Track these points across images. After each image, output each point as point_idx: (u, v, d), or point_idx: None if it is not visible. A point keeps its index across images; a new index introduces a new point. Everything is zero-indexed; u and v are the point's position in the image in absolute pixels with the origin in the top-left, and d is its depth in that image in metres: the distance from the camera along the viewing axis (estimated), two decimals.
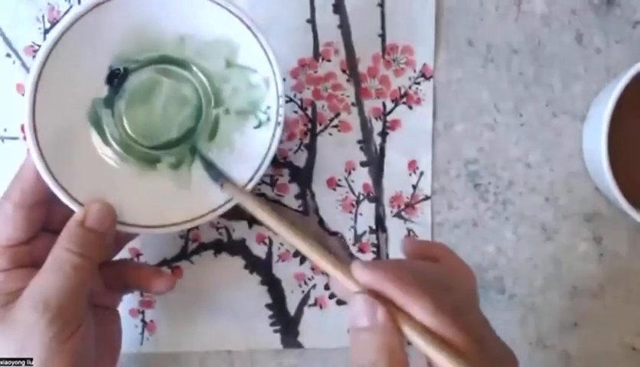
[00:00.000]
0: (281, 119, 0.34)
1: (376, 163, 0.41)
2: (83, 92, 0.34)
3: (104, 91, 0.34)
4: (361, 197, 0.41)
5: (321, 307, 0.41)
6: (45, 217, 0.33)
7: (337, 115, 0.41)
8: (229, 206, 0.34)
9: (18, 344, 0.28)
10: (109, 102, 0.34)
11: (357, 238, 0.41)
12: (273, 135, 0.34)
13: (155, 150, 0.35)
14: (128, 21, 0.33)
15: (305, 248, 0.29)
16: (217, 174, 0.34)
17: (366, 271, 0.27)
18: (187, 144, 0.36)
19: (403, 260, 0.32)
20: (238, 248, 0.40)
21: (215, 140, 0.36)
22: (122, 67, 0.34)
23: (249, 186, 0.34)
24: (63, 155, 0.32)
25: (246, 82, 0.35)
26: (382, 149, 0.41)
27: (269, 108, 0.35)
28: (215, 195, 0.34)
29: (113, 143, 0.34)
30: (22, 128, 0.39)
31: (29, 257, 0.32)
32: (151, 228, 0.34)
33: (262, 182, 0.40)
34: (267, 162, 0.34)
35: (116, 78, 0.34)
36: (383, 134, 0.41)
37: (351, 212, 0.41)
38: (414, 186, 0.41)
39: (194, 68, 0.36)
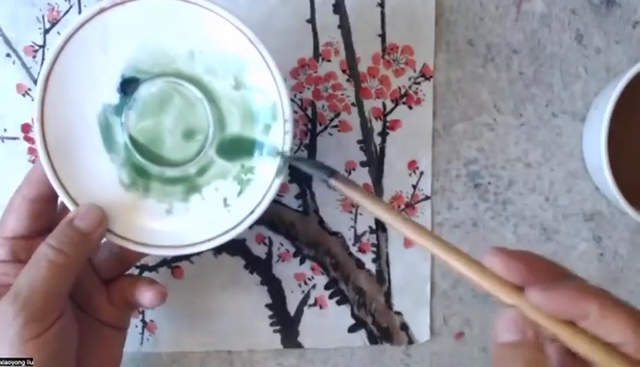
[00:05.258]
0: (287, 147, 0.33)
1: (376, 163, 0.41)
2: (93, 96, 0.33)
3: (115, 98, 0.34)
4: None
5: (321, 307, 0.41)
6: (50, 217, 0.34)
7: (337, 115, 0.41)
8: (225, 238, 0.33)
9: None
10: (119, 110, 0.34)
11: (357, 238, 0.41)
12: (278, 170, 0.33)
13: (159, 166, 0.34)
14: (140, 30, 0.33)
15: (440, 251, 0.27)
16: (322, 170, 0.32)
17: (549, 293, 0.25)
18: (192, 165, 0.35)
19: (540, 258, 0.28)
20: (238, 248, 0.40)
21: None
22: (135, 76, 0.34)
23: (254, 216, 0.33)
24: (69, 154, 0.32)
25: (254, 106, 0.34)
26: (382, 149, 0.41)
27: (276, 135, 0.33)
28: (213, 224, 0.33)
29: (119, 152, 0.34)
30: (22, 128, 0.39)
31: (27, 253, 0.32)
32: (141, 246, 0.33)
33: None
34: (272, 191, 0.33)
35: (129, 86, 0.34)
36: (383, 134, 0.41)
37: (350, 212, 0.41)
38: (414, 186, 0.41)
39: (204, 86, 0.34)
